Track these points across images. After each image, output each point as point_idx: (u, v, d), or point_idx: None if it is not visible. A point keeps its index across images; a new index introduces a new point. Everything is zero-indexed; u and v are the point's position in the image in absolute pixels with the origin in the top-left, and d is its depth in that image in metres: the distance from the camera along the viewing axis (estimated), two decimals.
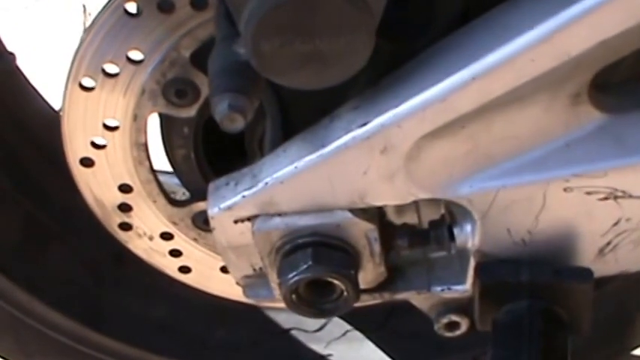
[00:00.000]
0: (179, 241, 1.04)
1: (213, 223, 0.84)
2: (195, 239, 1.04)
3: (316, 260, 0.81)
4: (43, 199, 1.17)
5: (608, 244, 0.86)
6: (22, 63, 1.16)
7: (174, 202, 1.01)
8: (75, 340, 1.18)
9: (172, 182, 1.05)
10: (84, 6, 2.37)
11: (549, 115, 0.79)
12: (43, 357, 1.18)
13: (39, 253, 1.16)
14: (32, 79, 1.20)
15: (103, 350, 1.20)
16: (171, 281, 1.10)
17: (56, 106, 1.13)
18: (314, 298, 0.84)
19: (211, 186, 0.84)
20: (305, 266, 0.81)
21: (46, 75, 1.41)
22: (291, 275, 0.82)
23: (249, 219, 0.83)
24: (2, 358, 1.17)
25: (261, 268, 0.88)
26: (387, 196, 0.81)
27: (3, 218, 1.12)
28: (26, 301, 1.12)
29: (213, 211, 0.83)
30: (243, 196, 0.81)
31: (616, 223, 0.85)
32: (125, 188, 0.97)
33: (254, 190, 0.80)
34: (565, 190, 0.81)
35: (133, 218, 1.00)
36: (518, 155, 0.81)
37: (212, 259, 1.06)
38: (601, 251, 0.87)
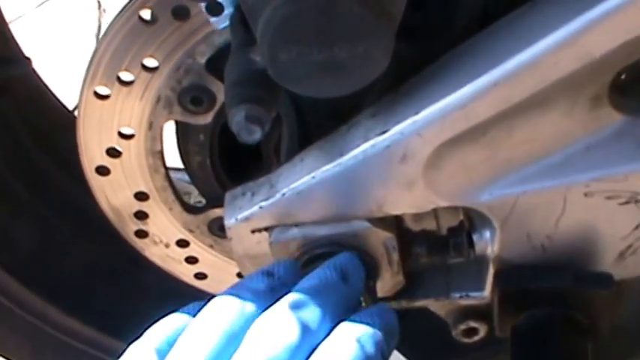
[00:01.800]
0: (195, 248, 1.02)
1: (230, 233, 0.81)
2: (211, 246, 1.02)
3: None
4: (59, 205, 1.14)
5: (629, 247, 0.84)
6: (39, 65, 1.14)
7: (189, 209, 0.98)
8: (93, 347, 1.16)
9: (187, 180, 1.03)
10: (98, 2, 2.36)
11: (569, 119, 0.76)
12: None
13: (55, 260, 1.13)
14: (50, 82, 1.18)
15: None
16: (187, 286, 1.08)
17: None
18: None
19: (228, 196, 0.82)
20: None
21: (64, 77, 1.39)
22: None
23: (266, 229, 0.80)
24: None
25: None
26: (406, 204, 0.78)
27: (19, 225, 1.10)
28: (43, 308, 1.10)
29: (230, 222, 0.80)
30: (260, 207, 0.78)
31: (637, 227, 0.82)
32: (141, 196, 0.95)
33: (271, 200, 0.78)
34: (586, 194, 0.79)
35: (149, 226, 0.98)
36: (538, 160, 0.78)
37: (228, 264, 1.03)
38: (621, 255, 0.84)
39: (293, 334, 0.60)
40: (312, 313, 0.62)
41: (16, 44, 1.09)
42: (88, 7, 2.37)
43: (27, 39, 1.32)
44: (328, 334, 0.62)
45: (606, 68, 0.73)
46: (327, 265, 0.69)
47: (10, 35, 1.08)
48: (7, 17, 1.08)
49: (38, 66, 1.15)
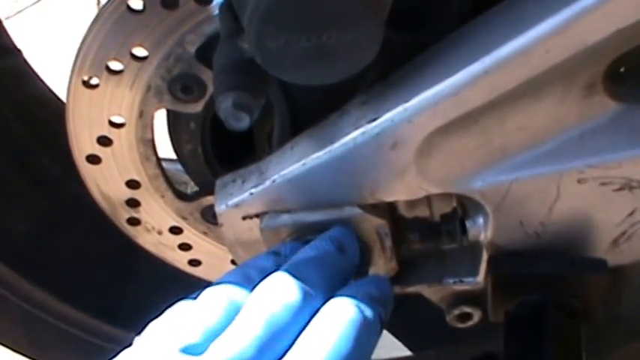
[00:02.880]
0: (188, 235, 1.01)
1: (220, 220, 0.80)
2: (204, 233, 1.01)
3: None
4: (53, 193, 1.13)
5: (623, 234, 0.82)
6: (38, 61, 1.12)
7: (182, 197, 0.97)
8: (88, 333, 1.15)
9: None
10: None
11: (563, 107, 0.75)
12: (56, 350, 1.15)
13: (50, 246, 1.12)
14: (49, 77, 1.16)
15: (116, 342, 1.17)
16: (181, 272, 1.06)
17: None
18: None
19: (218, 182, 0.81)
20: None
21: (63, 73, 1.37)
22: None
23: (257, 215, 0.79)
24: (15, 352, 1.14)
25: None
26: (398, 191, 0.77)
27: (13, 213, 1.09)
28: (36, 294, 1.09)
29: (220, 209, 0.79)
30: (251, 194, 0.77)
31: (631, 214, 0.80)
32: (132, 184, 0.94)
33: (261, 187, 0.77)
34: (579, 181, 0.77)
35: (141, 213, 0.97)
36: (531, 148, 0.76)
37: (222, 251, 1.02)
38: (615, 241, 0.83)
39: (293, 294, 0.61)
40: (311, 280, 0.63)
41: (7, 34, 1.07)
42: (87, 3, 2.35)
43: (26, 35, 1.31)
44: (327, 302, 0.63)
45: (600, 56, 0.72)
46: (322, 238, 0.70)
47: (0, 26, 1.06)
48: (6, 13, 1.06)
49: (37, 61, 1.13)
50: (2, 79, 1.07)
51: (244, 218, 0.80)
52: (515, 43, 0.68)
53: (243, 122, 0.68)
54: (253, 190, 0.77)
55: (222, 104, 0.68)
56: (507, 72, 0.69)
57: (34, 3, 2.40)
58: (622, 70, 0.76)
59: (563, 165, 0.77)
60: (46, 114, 1.14)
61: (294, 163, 0.75)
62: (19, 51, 1.08)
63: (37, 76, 1.14)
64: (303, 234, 0.78)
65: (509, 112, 0.73)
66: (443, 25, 0.75)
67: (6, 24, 1.08)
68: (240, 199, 0.78)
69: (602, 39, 0.68)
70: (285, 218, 0.78)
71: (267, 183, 0.76)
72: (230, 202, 0.78)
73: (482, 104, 0.71)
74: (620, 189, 0.78)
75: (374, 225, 0.79)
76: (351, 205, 0.77)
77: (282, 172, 0.75)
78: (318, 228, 0.78)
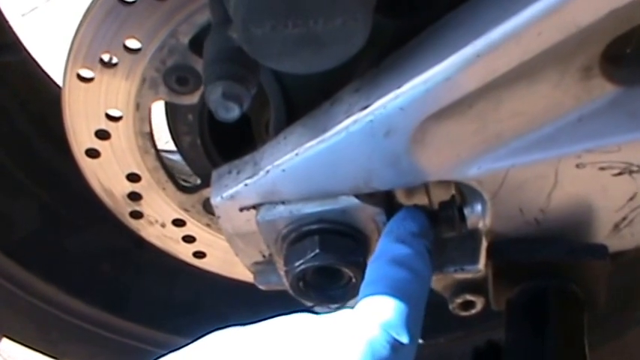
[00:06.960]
0: (192, 227, 0.98)
1: (217, 212, 0.78)
2: (207, 224, 0.98)
3: (323, 248, 0.74)
4: (60, 189, 1.10)
5: (624, 219, 0.79)
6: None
7: (183, 189, 0.94)
8: (97, 326, 1.12)
9: None
10: None
11: (560, 90, 0.71)
12: (67, 343, 1.12)
13: (57, 242, 1.09)
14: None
15: (126, 335, 1.14)
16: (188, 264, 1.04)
17: None
18: (322, 285, 0.77)
19: (214, 174, 0.78)
20: (312, 254, 0.74)
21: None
22: (297, 263, 0.75)
23: (254, 207, 0.76)
24: (26, 346, 1.12)
25: (270, 254, 0.81)
26: (393, 180, 0.73)
27: (20, 210, 1.06)
28: (46, 290, 1.06)
29: (216, 200, 0.76)
30: (245, 185, 0.74)
31: (631, 198, 0.77)
32: (133, 177, 0.91)
33: (255, 178, 0.74)
34: (577, 166, 0.74)
35: (143, 206, 0.94)
36: (528, 133, 0.72)
37: (227, 243, 0.99)
38: (616, 226, 0.79)
39: None
40: None
41: (11, 30, 1.04)
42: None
43: (40, 31, 1.28)
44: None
45: (596, 39, 0.68)
46: None
47: (4, 21, 1.03)
48: (21, 10, 1.02)
49: (49, 57, 1.10)
50: (6, 75, 1.04)
51: (241, 210, 0.77)
52: (506, 25, 0.64)
53: (233, 113, 0.65)
54: (248, 182, 0.74)
55: (211, 95, 0.65)
56: (500, 55, 0.65)
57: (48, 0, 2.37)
58: (628, 51, 0.73)
59: (560, 150, 0.73)
60: (51, 109, 1.11)
61: (288, 153, 0.72)
62: (21, 45, 1.05)
63: (43, 71, 1.11)
64: (300, 225, 0.75)
65: (504, 96, 0.70)
66: (435, 8, 0.71)
67: (22, 21, 1.05)
68: (236, 190, 0.75)
69: (596, 20, 0.65)
70: (281, 210, 0.75)
71: (261, 174, 0.73)
72: (225, 194, 0.75)
73: (476, 89, 0.67)
74: (620, 173, 0.74)
75: (370, 214, 0.75)
76: (346, 195, 0.74)
77: (276, 163, 0.72)
78: (315, 219, 0.75)
